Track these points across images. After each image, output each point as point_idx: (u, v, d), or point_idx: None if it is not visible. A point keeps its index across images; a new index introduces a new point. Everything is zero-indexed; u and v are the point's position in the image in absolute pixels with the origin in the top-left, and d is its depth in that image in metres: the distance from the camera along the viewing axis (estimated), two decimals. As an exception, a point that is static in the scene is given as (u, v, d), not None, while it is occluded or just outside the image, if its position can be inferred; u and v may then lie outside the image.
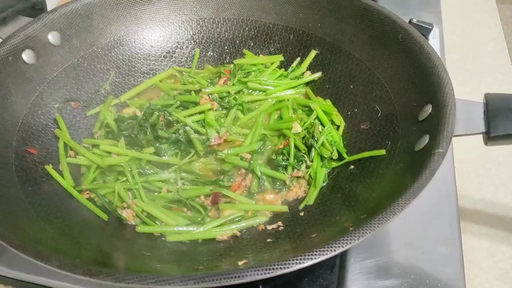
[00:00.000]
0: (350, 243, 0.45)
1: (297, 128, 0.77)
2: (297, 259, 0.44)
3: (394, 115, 0.71)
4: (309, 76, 0.89)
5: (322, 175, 0.72)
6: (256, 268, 0.44)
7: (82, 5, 0.83)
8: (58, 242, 0.55)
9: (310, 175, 0.73)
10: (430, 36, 1.08)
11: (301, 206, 0.69)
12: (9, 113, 0.70)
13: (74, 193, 0.68)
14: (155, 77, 0.91)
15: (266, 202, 0.71)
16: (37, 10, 0.84)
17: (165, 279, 0.42)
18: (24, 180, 0.64)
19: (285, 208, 0.69)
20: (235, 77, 0.88)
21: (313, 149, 0.75)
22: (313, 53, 0.90)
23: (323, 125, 0.79)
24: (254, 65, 0.91)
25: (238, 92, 0.87)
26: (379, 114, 0.75)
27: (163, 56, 0.94)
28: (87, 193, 0.70)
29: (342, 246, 0.45)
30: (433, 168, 0.52)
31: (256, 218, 0.67)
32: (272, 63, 0.92)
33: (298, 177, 0.74)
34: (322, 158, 0.75)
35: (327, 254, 0.45)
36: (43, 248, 0.48)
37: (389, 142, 0.68)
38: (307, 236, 0.59)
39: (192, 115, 0.80)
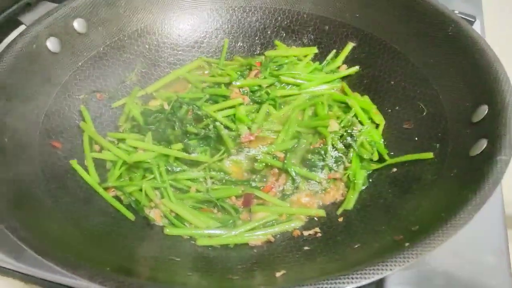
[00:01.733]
0: (408, 261, 0.41)
1: (334, 126, 0.72)
2: (347, 278, 0.40)
3: (442, 115, 0.66)
4: (346, 70, 0.83)
5: (361, 177, 0.67)
6: (301, 286, 0.40)
7: (109, -9, 0.79)
8: (83, 245, 0.52)
9: (348, 177, 0.68)
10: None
11: (339, 211, 0.64)
12: (32, 104, 0.66)
13: (100, 190, 0.64)
14: (183, 68, 0.87)
15: (301, 205, 0.67)
16: (62, -5, 0.79)
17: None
18: (48, 176, 0.61)
19: (322, 213, 0.64)
20: (266, 69, 0.83)
21: (351, 149, 0.70)
22: (350, 46, 0.85)
23: (361, 123, 0.74)
24: (287, 57, 0.86)
25: (270, 85, 0.82)
26: (424, 113, 0.70)
27: (191, 46, 0.90)
28: (113, 191, 0.66)
29: (399, 265, 0.40)
30: (496, 177, 0.47)
31: (291, 223, 0.63)
32: (305, 56, 0.87)
33: (336, 179, 0.69)
34: (361, 159, 0.70)
35: (381, 273, 0.40)
36: (70, 254, 0.44)
37: (438, 145, 0.63)
38: (349, 246, 0.54)
39: (222, 109, 0.76)
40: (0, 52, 0.66)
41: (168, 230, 0.61)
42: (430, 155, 0.63)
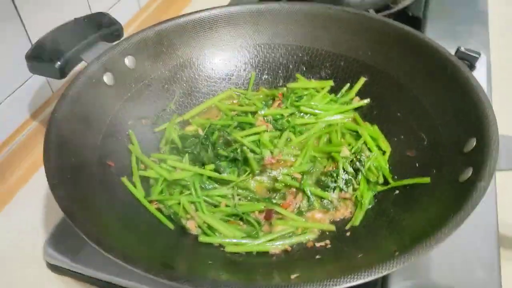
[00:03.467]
0: (394, 267, 0.51)
1: (346, 152, 0.83)
2: (345, 278, 0.51)
3: (440, 144, 0.76)
4: (358, 102, 0.94)
5: (368, 197, 0.77)
6: (308, 283, 0.51)
7: (154, 32, 0.93)
8: (137, 247, 0.63)
9: (356, 197, 0.79)
10: (477, 64, 1.10)
11: (347, 227, 0.74)
12: (93, 130, 0.80)
13: (145, 203, 0.76)
14: (215, 97, 1.00)
15: (315, 220, 0.77)
16: (115, 36, 0.94)
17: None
18: (105, 190, 0.73)
19: (332, 227, 0.75)
20: (288, 100, 0.95)
21: (360, 173, 0.81)
22: (362, 80, 0.96)
23: (370, 150, 0.84)
24: (306, 89, 0.98)
25: (291, 115, 0.94)
26: (425, 142, 0.80)
27: (222, 78, 1.03)
28: (156, 204, 0.78)
29: (387, 269, 0.51)
30: (475, 201, 0.57)
31: (306, 235, 0.74)
32: (323, 88, 0.98)
33: (345, 199, 0.80)
34: (368, 181, 0.80)
35: (373, 275, 0.51)
36: (128, 252, 0.56)
37: (434, 170, 0.73)
38: (353, 256, 0.64)
39: (248, 135, 0.88)
40: (66, 87, 0.80)
41: (202, 238, 0.72)
42: (427, 180, 0.73)
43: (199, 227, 0.75)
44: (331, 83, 0.99)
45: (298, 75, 1.02)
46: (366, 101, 0.94)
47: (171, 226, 0.75)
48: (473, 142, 0.68)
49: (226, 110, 0.96)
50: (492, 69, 1.16)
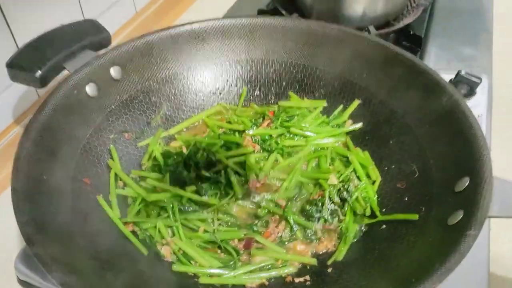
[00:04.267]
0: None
1: (333, 180, 0.79)
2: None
3: (431, 180, 0.72)
4: (351, 126, 0.91)
5: (353, 231, 0.74)
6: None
7: (143, 42, 0.90)
8: (99, 274, 0.60)
9: (341, 229, 0.75)
10: (478, 89, 1.07)
11: (329, 261, 0.71)
12: (71, 143, 0.76)
13: (119, 224, 0.73)
14: (203, 112, 0.96)
15: (296, 252, 0.74)
16: (102, 44, 0.90)
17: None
18: (77, 211, 0.70)
19: (314, 261, 0.71)
20: (278, 119, 0.92)
21: (346, 204, 0.77)
22: (356, 103, 0.92)
23: (359, 179, 0.81)
24: (299, 108, 0.95)
25: (280, 135, 0.90)
26: (416, 176, 0.76)
27: (212, 92, 0.99)
28: (132, 225, 0.75)
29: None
30: (463, 251, 0.54)
31: (285, 268, 0.70)
32: (315, 108, 0.95)
33: (330, 230, 0.76)
34: (355, 213, 0.77)
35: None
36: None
37: (423, 208, 0.69)
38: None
39: (234, 156, 0.84)
40: (47, 97, 0.76)
41: (175, 267, 0.69)
42: (415, 216, 0.69)
43: (174, 254, 0.72)
44: (324, 103, 0.95)
45: (291, 93, 0.99)
46: (359, 125, 0.91)
47: (144, 251, 0.71)
48: (466, 182, 0.65)
49: (213, 126, 0.93)
50: (493, 94, 1.12)
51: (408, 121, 0.82)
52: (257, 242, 0.74)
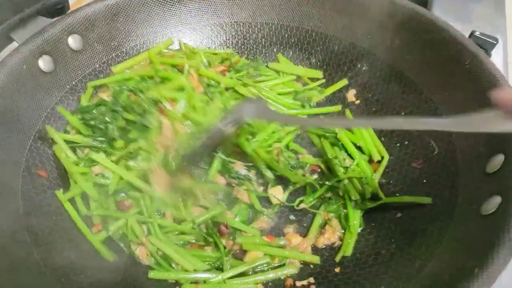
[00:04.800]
0: None
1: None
2: None
3: (454, 158, 0.61)
4: (324, 108, 0.78)
5: (356, 218, 0.63)
6: None
7: (107, 6, 0.76)
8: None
9: (342, 218, 0.64)
10: (493, 52, 0.94)
11: (337, 258, 0.60)
12: (20, 130, 0.63)
13: (83, 228, 0.61)
14: (152, 48, 0.80)
15: (294, 247, 0.62)
16: (58, 10, 0.76)
17: None
18: (29, 206, 0.58)
19: (316, 259, 0.60)
20: (237, 72, 0.79)
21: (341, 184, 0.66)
22: (343, 83, 0.80)
23: (351, 157, 0.69)
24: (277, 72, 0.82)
25: (228, 89, 0.77)
26: (435, 153, 0.65)
27: (193, 61, 0.86)
28: (98, 225, 0.63)
29: None
30: (508, 252, 0.42)
31: (284, 269, 0.59)
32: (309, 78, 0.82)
33: (330, 219, 0.65)
34: (350, 199, 0.65)
35: None
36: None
37: (447, 194, 0.58)
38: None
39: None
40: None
41: (152, 274, 0.57)
42: (428, 199, 0.58)
43: (152, 255, 0.60)
44: (320, 74, 0.83)
45: (279, 56, 0.85)
46: (337, 107, 0.79)
47: (110, 257, 0.59)
48: (500, 160, 0.53)
49: (156, 62, 0.77)
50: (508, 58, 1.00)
51: (423, 88, 0.70)
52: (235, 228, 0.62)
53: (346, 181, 0.66)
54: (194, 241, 0.63)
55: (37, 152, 0.65)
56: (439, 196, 0.59)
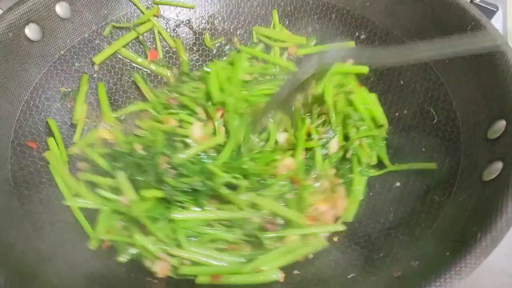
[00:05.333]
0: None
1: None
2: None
3: (455, 125, 0.60)
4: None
5: (361, 183, 0.62)
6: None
7: (95, -30, 0.72)
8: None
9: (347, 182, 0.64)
10: (493, 20, 0.93)
11: (339, 223, 0.59)
12: (8, 100, 0.61)
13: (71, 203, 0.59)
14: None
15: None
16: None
17: None
18: (20, 181, 0.56)
19: (342, 227, 0.59)
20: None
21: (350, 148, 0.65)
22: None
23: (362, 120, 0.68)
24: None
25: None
26: (435, 121, 0.63)
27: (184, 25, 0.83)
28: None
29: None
30: (511, 216, 0.41)
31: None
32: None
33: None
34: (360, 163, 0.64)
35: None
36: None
37: (448, 160, 0.57)
38: (343, 275, 0.49)
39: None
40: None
41: (199, 279, 0.53)
42: (433, 165, 0.57)
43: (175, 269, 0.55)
44: (303, 40, 0.81)
45: (275, 20, 0.82)
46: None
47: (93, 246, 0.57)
48: (502, 126, 0.52)
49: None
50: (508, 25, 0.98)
51: (423, 56, 0.68)
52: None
53: (357, 143, 0.65)
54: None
55: (26, 123, 0.63)
56: (440, 164, 0.58)
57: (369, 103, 0.70)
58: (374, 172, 0.65)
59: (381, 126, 0.69)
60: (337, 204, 0.62)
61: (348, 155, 0.66)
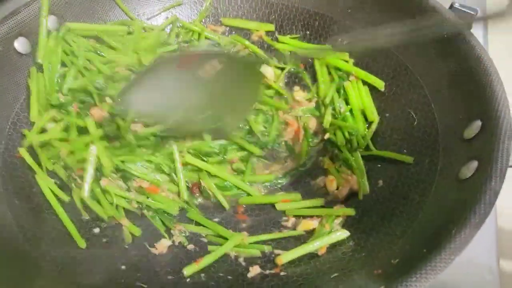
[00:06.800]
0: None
1: None
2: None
3: (434, 127, 0.62)
4: None
5: (356, 156, 0.67)
6: None
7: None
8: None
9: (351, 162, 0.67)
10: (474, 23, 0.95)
11: (360, 196, 0.63)
12: (-2, 113, 0.63)
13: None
14: None
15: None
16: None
17: None
18: (10, 187, 0.57)
19: (351, 212, 0.62)
20: None
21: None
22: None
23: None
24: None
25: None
26: (415, 123, 0.65)
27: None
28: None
29: None
30: (483, 212, 0.43)
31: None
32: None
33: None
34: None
35: None
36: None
37: (427, 161, 0.59)
38: (326, 275, 0.51)
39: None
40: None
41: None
42: (410, 159, 0.60)
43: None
44: (272, 27, 0.84)
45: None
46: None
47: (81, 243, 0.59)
48: (477, 126, 0.54)
49: None
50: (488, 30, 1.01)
51: (404, 60, 0.70)
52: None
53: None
54: None
55: (16, 135, 0.64)
56: (420, 164, 0.59)
57: (361, 95, 0.72)
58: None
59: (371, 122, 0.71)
60: (350, 180, 0.66)
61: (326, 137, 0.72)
